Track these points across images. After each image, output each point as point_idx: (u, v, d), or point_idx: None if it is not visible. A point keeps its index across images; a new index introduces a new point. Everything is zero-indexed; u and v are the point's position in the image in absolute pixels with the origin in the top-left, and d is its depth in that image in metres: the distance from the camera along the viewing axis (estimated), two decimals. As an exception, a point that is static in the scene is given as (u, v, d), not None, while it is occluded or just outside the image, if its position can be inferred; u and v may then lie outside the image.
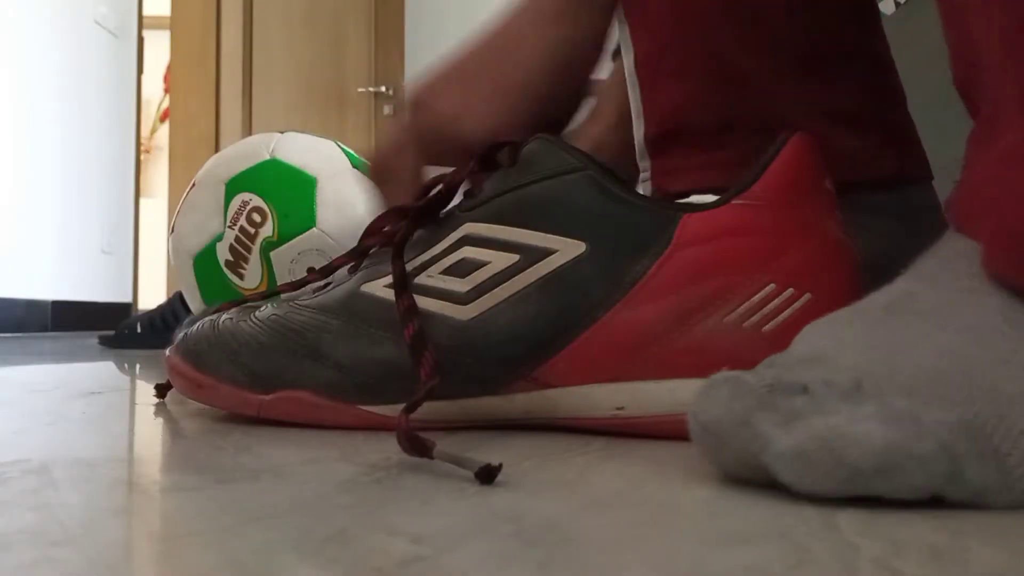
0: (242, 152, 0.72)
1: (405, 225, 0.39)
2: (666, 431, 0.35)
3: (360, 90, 3.22)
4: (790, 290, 0.34)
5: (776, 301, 0.34)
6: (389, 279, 0.38)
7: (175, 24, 3.26)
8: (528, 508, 0.23)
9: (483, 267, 0.37)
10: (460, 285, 0.37)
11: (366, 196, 0.69)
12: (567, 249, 0.36)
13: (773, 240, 0.35)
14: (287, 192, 0.68)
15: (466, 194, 0.39)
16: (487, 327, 0.36)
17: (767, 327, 0.34)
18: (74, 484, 0.26)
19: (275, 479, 0.27)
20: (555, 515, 0.22)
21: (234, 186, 0.69)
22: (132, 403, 0.51)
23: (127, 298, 2.99)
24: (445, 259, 0.37)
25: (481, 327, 0.36)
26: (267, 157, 0.70)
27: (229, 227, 0.68)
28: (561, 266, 0.36)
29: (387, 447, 0.33)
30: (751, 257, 0.35)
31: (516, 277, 0.36)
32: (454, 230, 0.38)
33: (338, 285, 0.40)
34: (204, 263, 0.68)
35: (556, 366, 0.36)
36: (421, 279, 0.38)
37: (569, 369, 0.36)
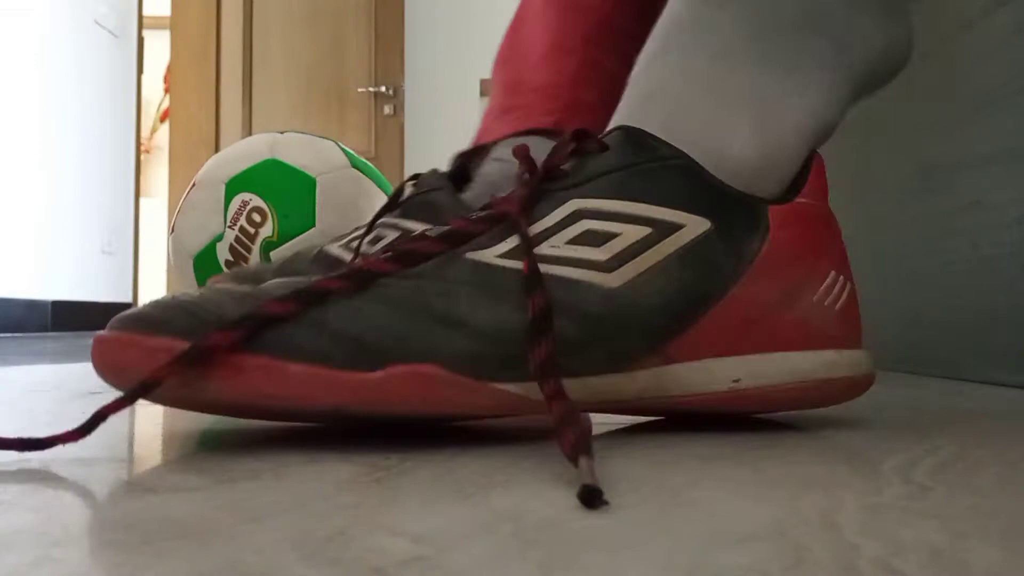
0: (242, 152, 0.72)
1: (527, 192, 0.36)
2: (777, 402, 0.39)
3: (360, 90, 3.22)
4: (842, 277, 0.40)
5: (838, 286, 0.40)
6: (500, 249, 0.34)
7: (175, 24, 3.26)
8: (528, 508, 0.23)
9: (616, 237, 0.35)
10: (598, 254, 0.35)
11: (366, 196, 0.69)
12: (694, 225, 0.36)
13: (829, 232, 0.41)
14: (287, 192, 0.68)
15: (546, 172, 0.37)
16: (636, 295, 0.35)
17: (836, 307, 0.40)
18: (74, 484, 0.26)
19: (275, 479, 0.27)
20: (555, 515, 0.22)
21: (234, 186, 0.69)
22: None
23: (127, 298, 2.99)
24: (565, 231, 0.35)
25: (629, 296, 0.35)
26: (267, 157, 0.70)
27: (229, 227, 0.68)
28: (693, 240, 0.35)
29: (387, 447, 0.33)
30: (821, 244, 0.40)
31: (654, 248, 0.35)
32: (559, 205, 0.35)
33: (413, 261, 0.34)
34: (204, 263, 0.68)
35: (685, 340, 0.37)
36: (543, 249, 0.34)
37: (695, 343, 0.37)
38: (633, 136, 0.37)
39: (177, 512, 0.22)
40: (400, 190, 0.54)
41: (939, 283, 0.78)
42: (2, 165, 2.30)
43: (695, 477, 0.27)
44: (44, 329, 2.46)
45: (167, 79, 3.77)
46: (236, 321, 0.31)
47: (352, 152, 0.74)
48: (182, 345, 0.30)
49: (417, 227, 0.58)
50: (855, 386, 0.40)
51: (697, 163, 0.36)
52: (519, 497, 0.24)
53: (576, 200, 0.36)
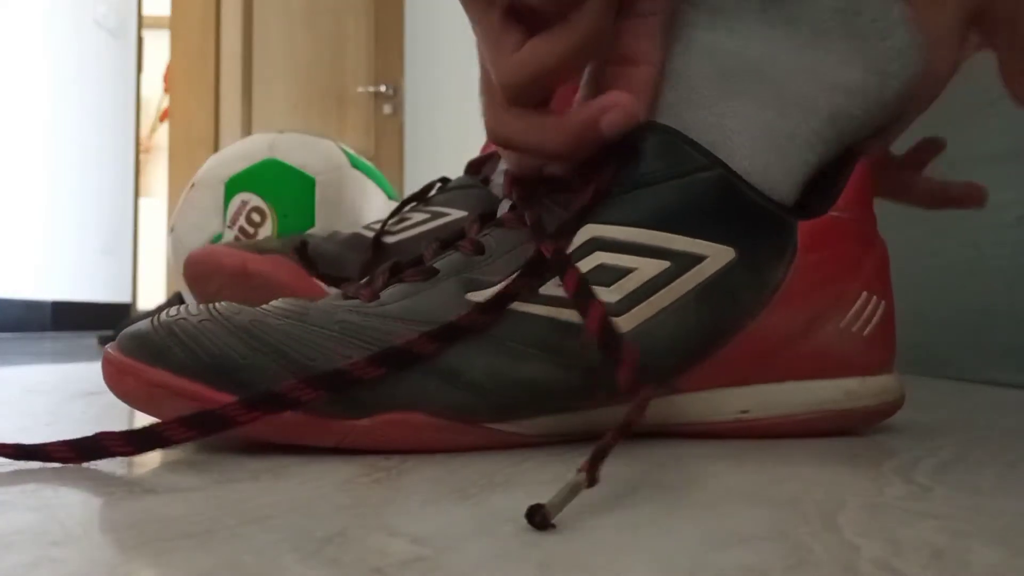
0: (241, 152, 0.72)
1: (581, 208, 0.33)
2: (786, 431, 0.36)
3: (360, 90, 3.22)
4: (875, 298, 0.37)
5: (868, 308, 0.36)
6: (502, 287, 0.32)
7: (175, 24, 3.26)
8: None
9: (629, 274, 0.33)
10: (608, 295, 0.33)
11: (365, 195, 0.69)
12: (717, 255, 0.34)
13: (862, 247, 0.37)
14: (286, 192, 0.68)
15: (567, 187, 0.35)
16: (647, 339, 0.33)
17: (866, 332, 0.36)
18: (74, 484, 0.26)
19: (275, 479, 0.27)
20: (555, 515, 0.22)
21: (233, 186, 0.69)
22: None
23: (127, 298, 2.99)
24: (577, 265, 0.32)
25: (641, 339, 0.33)
26: (266, 157, 0.70)
27: (228, 227, 0.68)
28: (714, 273, 0.33)
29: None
30: (852, 264, 0.36)
31: (671, 285, 0.33)
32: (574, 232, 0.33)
33: (406, 294, 0.33)
34: (204, 263, 0.68)
35: (692, 373, 0.35)
36: (549, 288, 0.32)
37: (704, 376, 0.35)
38: (664, 139, 0.34)
39: (177, 512, 0.22)
40: (429, 187, 0.57)
41: (939, 283, 0.78)
42: (2, 165, 2.30)
43: (695, 477, 0.27)
44: (44, 329, 2.46)
45: (166, 79, 3.77)
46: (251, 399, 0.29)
47: (352, 152, 0.74)
48: (176, 381, 0.31)
49: (444, 210, 0.59)
50: (879, 414, 0.37)
51: (732, 171, 0.34)
52: (519, 497, 0.24)
53: (592, 227, 0.33)
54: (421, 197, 0.62)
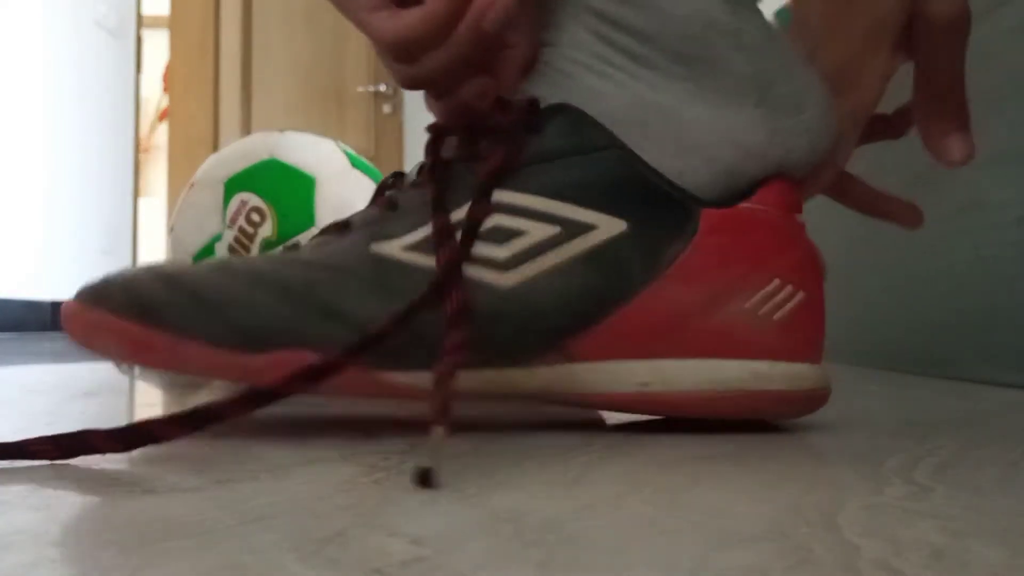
0: (241, 152, 0.72)
1: (439, 173, 0.37)
2: (687, 408, 0.37)
3: (360, 89, 3.22)
4: (789, 287, 0.37)
5: (781, 295, 0.37)
6: (407, 240, 0.36)
7: (174, 23, 3.26)
8: (528, 508, 0.23)
9: (521, 235, 0.35)
10: (498, 251, 0.35)
11: (365, 195, 0.69)
12: (607, 226, 0.36)
13: (776, 239, 0.38)
14: (286, 192, 0.68)
15: (475, 156, 0.38)
16: (530, 296, 0.35)
17: (776, 316, 0.37)
18: (74, 484, 0.26)
19: (275, 479, 0.27)
20: (555, 515, 0.22)
21: (233, 186, 0.69)
22: (131, 404, 0.51)
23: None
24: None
25: (524, 296, 0.35)
26: (266, 157, 0.70)
27: (228, 227, 0.68)
28: (603, 242, 0.36)
29: (387, 447, 0.33)
30: (761, 251, 0.37)
31: (558, 248, 0.35)
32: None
33: (320, 244, 0.37)
34: (203, 263, 0.68)
35: (588, 340, 0.36)
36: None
37: (599, 344, 0.36)
38: (570, 118, 0.37)
39: (177, 512, 0.22)
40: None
41: (939, 283, 0.78)
42: (2, 165, 2.30)
43: (695, 477, 0.27)
44: (44, 329, 2.46)
45: (166, 78, 3.77)
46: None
47: (352, 152, 0.74)
48: (108, 319, 0.34)
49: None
50: (797, 401, 0.38)
51: (633, 153, 0.36)
52: (519, 497, 0.24)
53: (496, 191, 0.36)
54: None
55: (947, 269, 0.77)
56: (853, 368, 0.89)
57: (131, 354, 0.34)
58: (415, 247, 0.36)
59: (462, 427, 0.40)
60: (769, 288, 0.37)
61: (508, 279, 0.35)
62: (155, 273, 0.35)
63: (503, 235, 0.35)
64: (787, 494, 0.25)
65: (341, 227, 0.37)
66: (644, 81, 0.38)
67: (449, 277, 0.34)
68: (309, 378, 0.31)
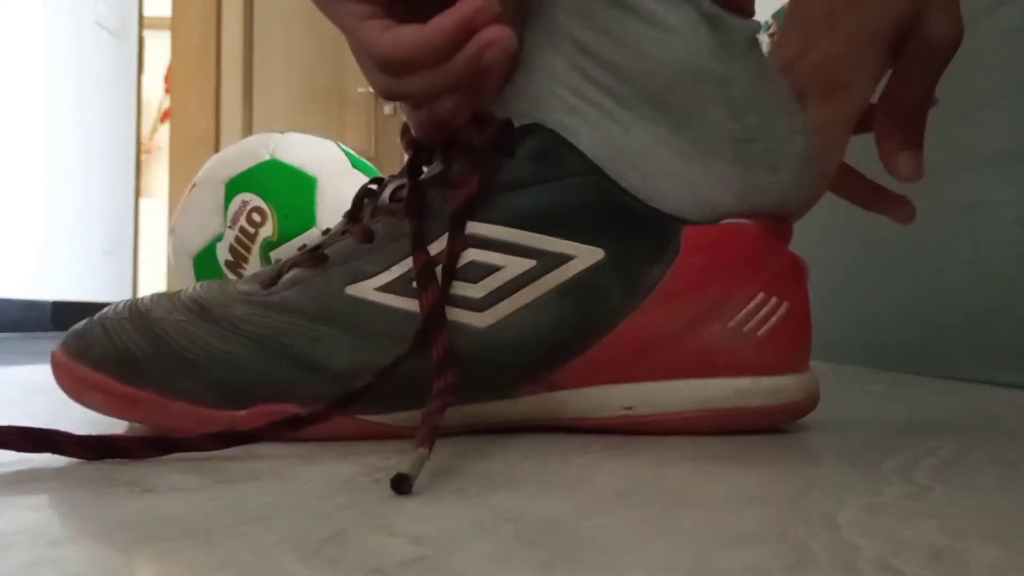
0: (242, 152, 0.72)
1: (415, 203, 0.36)
2: (672, 428, 0.37)
3: (360, 90, 3.22)
4: (774, 299, 0.37)
5: (766, 308, 0.36)
6: (382, 280, 0.35)
7: (175, 24, 3.26)
8: (528, 508, 0.23)
9: (496, 272, 0.35)
10: (473, 291, 0.35)
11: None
12: (585, 255, 0.35)
13: (757, 253, 0.37)
14: (287, 192, 0.68)
15: (448, 182, 0.37)
16: (507, 334, 0.35)
17: (760, 332, 0.36)
18: (74, 484, 0.26)
19: (275, 479, 0.27)
20: (555, 515, 0.22)
21: (234, 186, 0.69)
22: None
23: (127, 298, 2.99)
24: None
25: (500, 334, 0.35)
26: (267, 157, 0.70)
27: (229, 227, 0.68)
28: (580, 272, 0.35)
29: (387, 447, 0.33)
30: (744, 267, 0.37)
31: (534, 283, 0.35)
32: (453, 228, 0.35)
33: (296, 281, 0.36)
34: (204, 263, 0.68)
35: (569, 370, 0.36)
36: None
37: (581, 373, 0.36)
38: (542, 141, 0.36)
39: (177, 512, 0.22)
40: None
41: (939, 283, 0.78)
42: (2, 165, 2.30)
43: (695, 477, 0.27)
44: (44, 329, 2.46)
45: (167, 79, 3.77)
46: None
47: (352, 152, 0.74)
48: (91, 375, 0.35)
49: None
50: (784, 412, 0.37)
51: (609, 179, 0.36)
52: (519, 497, 0.24)
53: (469, 224, 0.35)
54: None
55: (947, 269, 0.77)
56: (853, 368, 0.89)
57: (118, 410, 0.35)
58: (390, 287, 0.35)
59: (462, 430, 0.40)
60: (752, 304, 0.36)
61: (484, 319, 0.35)
62: (138, 323, 0.36)
63: (478, 272, 0.35)
64: (787, 494, 0.25)
65: (317, 259, 0.36)
66: (617, 121, 0.37)
67: (434, 322, 0.33)
68: (292, 426, 0.31)
